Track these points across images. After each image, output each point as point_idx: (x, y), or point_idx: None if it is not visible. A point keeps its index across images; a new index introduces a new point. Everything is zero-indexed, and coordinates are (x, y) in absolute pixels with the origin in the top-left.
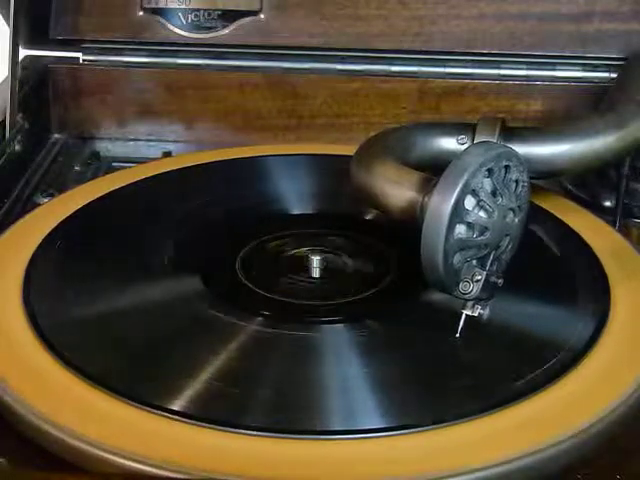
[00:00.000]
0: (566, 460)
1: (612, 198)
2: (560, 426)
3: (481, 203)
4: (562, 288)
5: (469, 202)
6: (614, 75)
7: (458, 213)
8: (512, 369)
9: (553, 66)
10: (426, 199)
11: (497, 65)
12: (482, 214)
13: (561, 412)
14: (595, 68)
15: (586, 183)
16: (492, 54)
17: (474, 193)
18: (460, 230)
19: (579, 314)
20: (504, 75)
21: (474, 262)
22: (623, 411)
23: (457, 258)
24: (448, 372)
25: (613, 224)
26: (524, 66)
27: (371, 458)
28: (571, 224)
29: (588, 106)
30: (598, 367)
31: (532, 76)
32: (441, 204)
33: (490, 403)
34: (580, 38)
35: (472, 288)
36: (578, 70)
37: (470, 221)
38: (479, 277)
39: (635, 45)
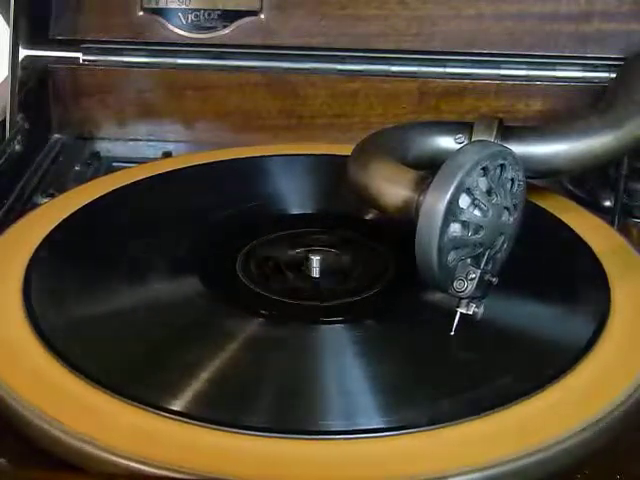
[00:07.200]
0: (566, 460)
1: (611, 198)
2: (560, 426)
3: (476, 202)
4: (561, 288)
5: (464, 201)
6: (614, 75)
7: (452, 211)
8: (512, 369)
9: (553, 66)
10: (421, 197)
11: (497, 65)
12: (477, 213)
13: (561, 412)
14: (595, 68)
15: (585, 183)
16: (492, 54)
17: (469, 192)
18: (454, 228)
19: (578, 314)
20: (504, 75)
21: (469, 261)
22: (623, 411)
23: (451, 256)
24: (447, 372)
25: (612, 224)
26: (524, 66)
27: (371, 458)
28: (570, 224)
29: (588, 106)
30: (598, 367)
31: (532, 76)
32: (435, 202)
33: (489, 403)
34: (580, 38)
35: (466, 286)
36: (578, 70)
37: (464, 220)
38: (473, 275)
39: (635, 45)
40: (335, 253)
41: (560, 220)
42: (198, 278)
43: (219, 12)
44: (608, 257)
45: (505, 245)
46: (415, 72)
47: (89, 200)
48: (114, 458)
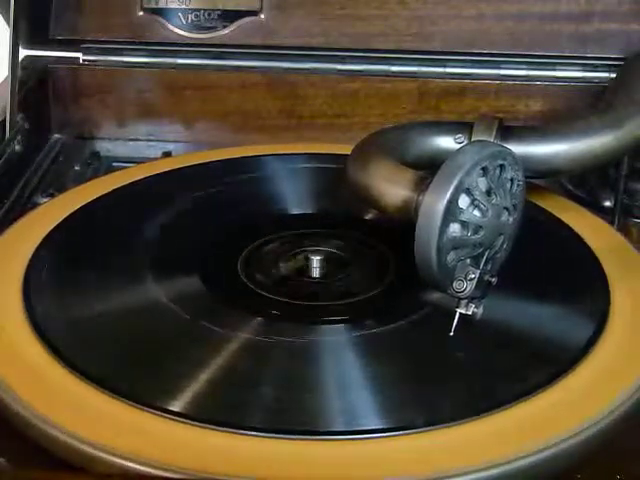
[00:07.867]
0: (566, 460)
1: (611, 198)
2: (560, 426)
3: (475, 202)
4: (561, 288)
5: (463, 201)
6: (614, 75)
7: (452, 212)
8: (512, 370)
9: (553, 66)
10: (421, 197)
11: (497, 65)
12: (476, 213)
13: (561, 412)
14: (595, 68)
15: (585, 183)
16: (492, 54)
17: (468, 192)
18: (454, 229)
19: (578, 314)
20: (504, 75)
21: (468, 261)
22: (623, 411)
23: (451, 257)
24: (447, 373)
25: (612, 224)
26: (524, 66)
27: (371, 459)
28: (570, 224)
29: (588, 106)
30: (598, 367)
31: (532, 76)
32: (435, 203)
33: (489, 404)
34: (580, 38)
35: (466, 287)
36: (578, 70)
37: (464, 220)
38: (473, 276)
39: (635, 45)
40: (335, 253)
41: (560, 220)
42: (198, 278)
43: (219, 12)
44: (608, 257)
45: (505, 245)
46: (415, 72)
47: (89, 200)
48: (113, 458)
